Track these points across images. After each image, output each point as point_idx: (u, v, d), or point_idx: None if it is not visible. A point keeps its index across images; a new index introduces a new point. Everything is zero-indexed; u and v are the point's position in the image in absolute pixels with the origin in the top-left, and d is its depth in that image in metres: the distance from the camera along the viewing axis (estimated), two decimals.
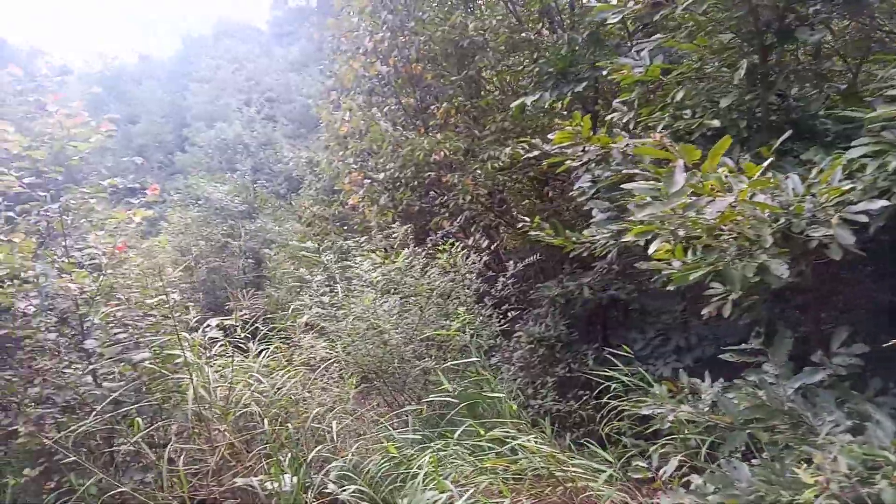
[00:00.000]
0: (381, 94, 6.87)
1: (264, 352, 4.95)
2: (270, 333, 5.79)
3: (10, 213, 4.15)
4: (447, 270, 4.79)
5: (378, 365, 4.30)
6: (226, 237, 16.63)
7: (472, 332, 4.29)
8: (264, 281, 14.58)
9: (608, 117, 4.20)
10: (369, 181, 6.90)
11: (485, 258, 4.93)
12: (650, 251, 2.66)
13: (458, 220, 5.93)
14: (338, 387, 4.41)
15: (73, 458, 3.74)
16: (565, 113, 5.16)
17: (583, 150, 3.74)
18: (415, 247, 5.29)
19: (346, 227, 11.55)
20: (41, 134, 4.00)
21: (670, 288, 3.26)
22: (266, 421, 3.62)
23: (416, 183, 6.36)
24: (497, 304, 5.02)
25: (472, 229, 6.04)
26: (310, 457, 3.47)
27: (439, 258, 4.88)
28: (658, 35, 3.95)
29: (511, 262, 4.94)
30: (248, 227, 16.98)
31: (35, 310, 4.19)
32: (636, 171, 2.90)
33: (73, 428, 3.73)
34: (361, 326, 4.36)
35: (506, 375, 5.21)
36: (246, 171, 22.01)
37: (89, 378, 4.05)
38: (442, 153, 5.71)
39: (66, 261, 4.01)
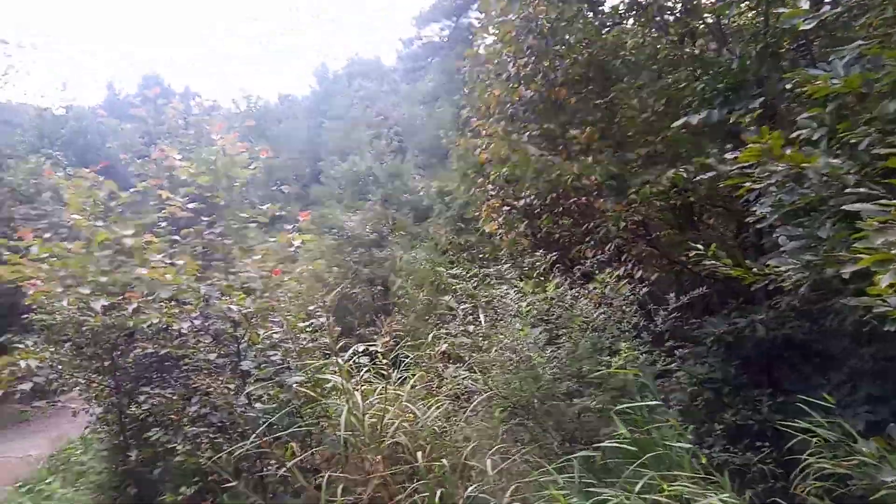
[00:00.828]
0: (522, 119, 6.73)
1: (407, 380, 4.85)
2: (409, 361, 5.70)
3: (175, 237, 4.37)
4: (600, 302, 4.48)
5: (528, 401, 4.03)
6: (357, 264, 17.17)
7: (635, 370, 3.92)
8: (392, 308, 14.84)
9: (793, 135, 3.74)
10: (508, 208, 6.76)
11: (643, 289, 4.56)
12: (883, 284, 2.23)
13: (607, 248, 5.59)
14: (484, 421, 4.19)
15: (227, 478, 3.79)
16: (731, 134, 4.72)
17: (768, 171, 3.33)
18: (560, 276, 5.02)
19: (474, 256, 11.49)
20: (206, 161, 4.19)
21: (890, 328, 2.77)
22: (420, 454, 3.45)
23: (559, 209, 6.12)
24: (654, 340, 4.61)
25: (623, 258, 5.68)
26: (464, 495, 3.25)
27: (589, 289, 4.58)
28: (859, 42, 3.47)
29: (672, 294, 4.53)
30: (377, 255, 17.45)
31: (196, 330, 4.36)
32: (863, 190, 2.47)
33: (229, 449, 3.78)
34: (513, 358, 4.13)
35: (660, 419, 4.76)
36: (377, 200, 22.80)
37: (243, 399, 4.12)
38: (593, 178, 5.43)
39: (226, 283, 4.14)
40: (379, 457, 3.62)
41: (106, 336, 4.88)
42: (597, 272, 4.99)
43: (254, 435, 3.79)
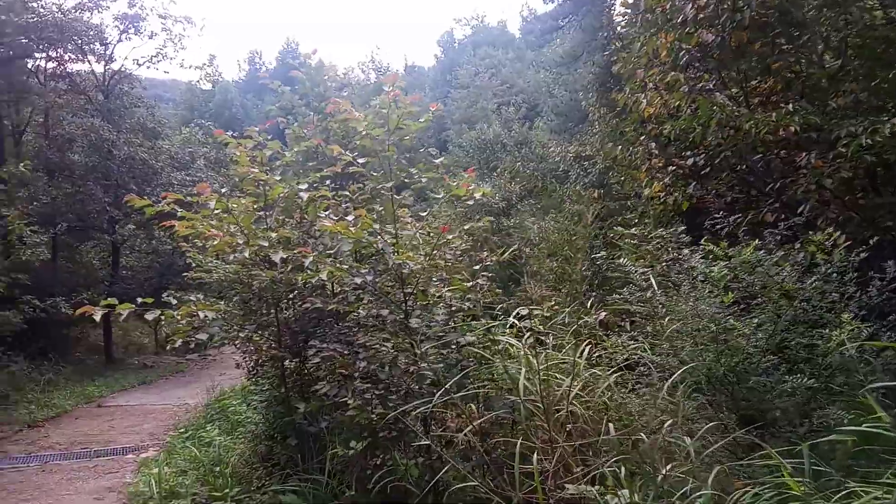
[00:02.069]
0: (697, 68, 6.09)
1: (561, 348, 4.56)
2: (565, 328, 5.40)
3: (345, 192, 4.31)
4: (805, 269, 3.93)
5: (723, 375, 3.61)
6: (486, 233, 17.00)
7: (857, 346, 3.37)
8: (521, 277, 14.57)
9: None
10: (674, 167, 6.20)
11: (858, 256, 3.93)
12: None
13: (801, 210, 4.93)
14: (664, 395, 3.81)
15: (395, 436, 3.72)
16: None
17: None
18: (751, 240, 4.48)
19: (621, 222, 10.92)
20: (378, 113, 4.07)
21: None
22: (611, 427, 3.17)
23: (742, 167, 5.49)
24: (867, 313, 3.99)
25: (820, 223, 5.00)
26: (660, 475, 2.93)
27: (792, 253, 4.03)
28: None
29: (891, 262, 3.88)
30: (506, 223, 17.17)
31: (356, 287, 4.30)
32: None
33: (400, 406, 3.70)
34: (710, 328, 3.71)
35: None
36: (505, 168, 22.49)
37: (411, 357, 4.02)
38: (791, 129, 4.77)
39: (396, 238, 4.03)
40: (559, 426, 3.37)
41: (272, 291, 4.97)
42: (789, 236, 4.41)
43: (438, 393, 3.66)
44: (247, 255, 4.12)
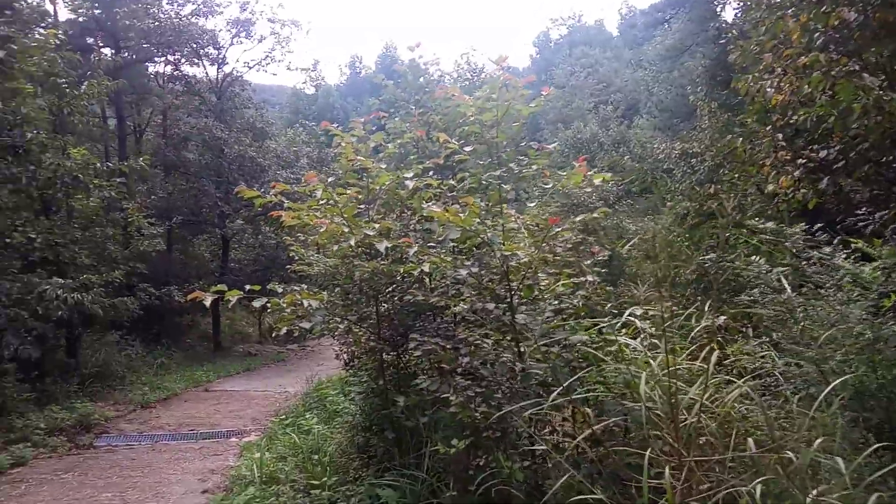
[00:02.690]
0: (835, 51, 5.52)
1: (684, 353, 4.21)
2: (678, 332, 5.03)
3: (451, 181, 4.18)
4: None
5: (878, 391, 3.18)
6: (581, 232, 16.49)
7: None
8: (617, 278, 14.01)
9: None
10: (804, 161, 5.65)
11: None
12: None
13: None
14: (805, 409, 3.41)
15: (499, 437, 3.54)
16: None
17: None
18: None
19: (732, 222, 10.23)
20: (488, 98, 3.90)
21: None
22: (750, 441, 2.84)
23: (890, 157, 4.92)
24: None
25: None
26: (809, 499, 2.58)
27: None
28: None
29: None
30: (603, 223, 16.60)
31: (455, 282, 4.15)
32: None
33: (504, 406, 3.52)
34: (865, 334, 3.29)
35: None
36: (604, 168, 21.88)
37: (516, 355, 3.84)
38: None
39: (505, 229, 3.85)
40: (684, 437, 3.07)
41: (372, 282, 4.93)
42: None
43: (554, 394, 3.44)
44: (352, 243, 4.07)
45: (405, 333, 5.75)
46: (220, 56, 20.04)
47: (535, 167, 4.07)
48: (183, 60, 19.29)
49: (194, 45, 18.65)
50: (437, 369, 4.32)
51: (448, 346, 3.93)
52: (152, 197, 17.00)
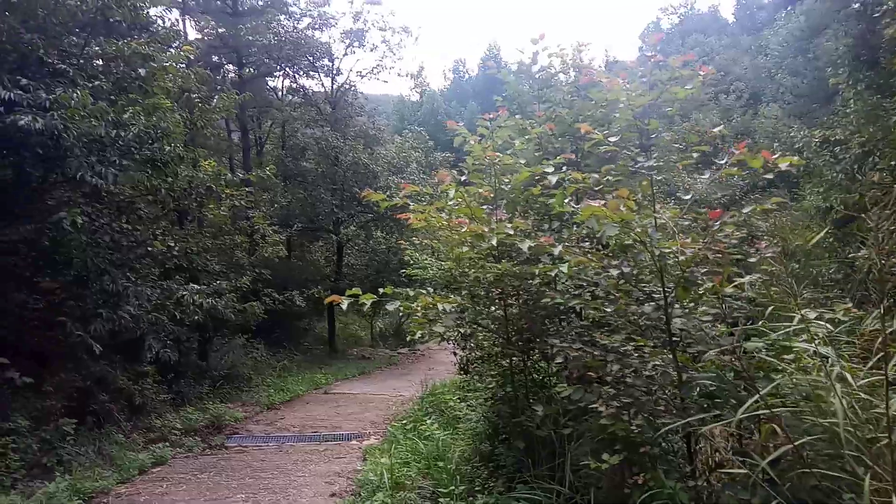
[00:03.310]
0: None
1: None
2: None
3: (595, 175, 3.87)
4: None
5: None
6: (703, 231, 15.54)
7: None
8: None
9: None
10: None
11: None
12: None
13: None
14: None
15: (658, 453, 3.21)
16: None
17: None
18: None
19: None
20: (640, 82, 3.58)
21: None
22: None
23: None
24: None
25: None
26: None
27: None
28: None
29: None
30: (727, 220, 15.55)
31: (623, 279, 3.81)
32: None
33: (660, 418, 3.19)
34: None
35: None
36: (724, 163, 20.56)
37: (672, 363, 3.48)
38: None
39: (660, 222, 3.51)
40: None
41: (502, 284, 4.73)
42: None
43: (743, 406, 3.07)
44: (494, 243, 3.88)
45: (530, 339, 5.51)
46: (335, 67, 20.71)
47: (695, 155, 3.69)
48: (300, 73, 20.09)
49: (311, 58, 19.37)
50: (579, 377, 4.03)
51: (596, 353, 3.64)
52: (274, 206, 17.76)
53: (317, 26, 19.67)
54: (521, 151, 5.10)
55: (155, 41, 9.98)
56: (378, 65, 20.94)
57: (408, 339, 24.13)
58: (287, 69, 19.81)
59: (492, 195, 4.51)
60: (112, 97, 8.53)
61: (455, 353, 11.52)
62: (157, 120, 8.69)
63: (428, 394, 11.77)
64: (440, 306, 4.09)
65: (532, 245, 3.77)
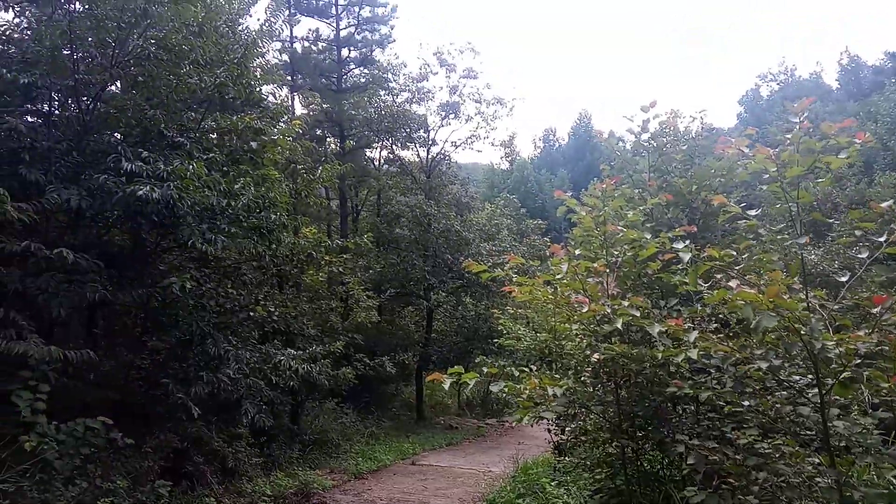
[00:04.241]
0: None
1: None
2: None
3: (731, 251, 3.50)
4: None
5: None
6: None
7: None
8: None
9: None
10: None
11: None
12: None
13: None
14: None
15: None
16: None
17: None
18: None
19: None
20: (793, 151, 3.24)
21: None
22: None
23: None
24: None
25: None
26: None
27: None
28: None
29: None
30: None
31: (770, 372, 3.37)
32: None
33: None
34: None
35: None
36: (885, 241, 19.16)
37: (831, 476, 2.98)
38: None
39: (810, 310, 3.09)
40: None
41: (615, 367, 4.35)
42: None
43: None
44: (619, 325, 3.57)
45: (645, 426, 5.03)
46: (430, 138, 21.26)
47: (858, 232, 3.28)
48: (397, 144, 20.75)
49: (408, 130, 19.99)
50: (708, 477, 3.55)
51: (737, 456, 3.19)
52: (369, 271, 18.04)
53: (415, 100, 20.37)
54: (632, 224, 4.80)
55: (266, 116, 10.52)
56: (472, 135, 21.34)
57: (505, 411, 23.36)
58: (385, 141, 20.53)
59: (606, 269, 4.20)
60: (224, 168, 8.95)
61: (549, 431, 10.99)
62: (266, 190, 9.02)
63: (520, 472, 11.16)
64: (550, 390, 3.77)
65: (663, 330, 3.42)
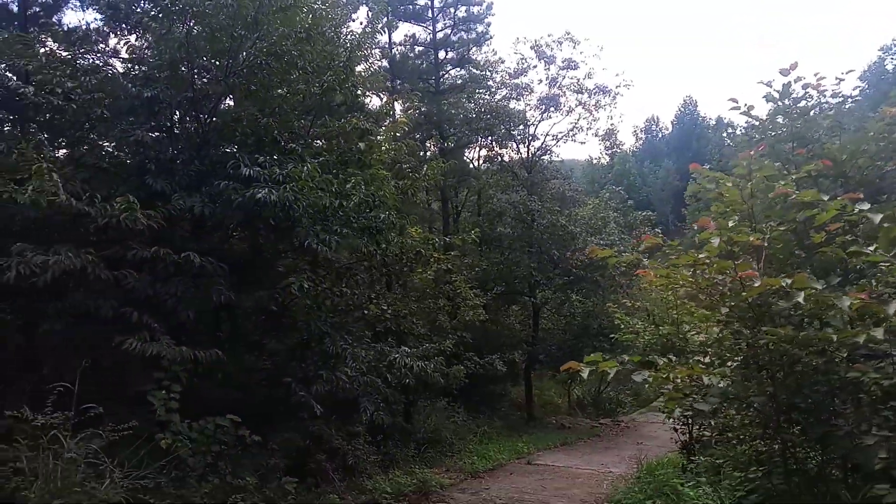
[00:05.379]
0: None
1: None
2: None
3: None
4: None
5: None
6: None
7: None
8: None
9: None
10: None
11: None
12: None
13: None
14: None
15: None
16: None
17: None
18: None
19: None
20: None
21: None
22: None
23: None
24: None
25: None
26: None
27: None
28: None
29: None
30: None
31: None
32: None
33: None
34: None
35: None
36: None
37: None
38: None
39: None
40: None
41: (779, 354, 3.89)
42: None
43: None
44: (800, 300, 3.16)
45: (804, 419, 4.51)
46: (530, 133, 20.88)
47: None
48: (497, 142, 20.52)
49: (507, 127, 19.73)
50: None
51: None
52: (475, 270, 17.94)
53: (513, 96, 20.10)
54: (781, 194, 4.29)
55: (370, 119, 10.64)
56: (574, 127, 20.76)
57: (618, 410, 22.50)
58: (484, 139, 20.36)
59: (763, 243, 3.75)
60: (335, 171, 9.09)
61: (676, 430, 10.34)
62: (375, 189, 9.07)
63: (644, 473, 10.58)
64: (706, 379, 3.39)
65: (854, 302, 2.97)
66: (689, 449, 9.72)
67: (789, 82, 5.27)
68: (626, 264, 4.60)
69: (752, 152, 4.16)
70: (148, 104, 8.59)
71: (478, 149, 22.09)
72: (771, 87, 5.40)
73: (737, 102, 5.38)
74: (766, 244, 3.71)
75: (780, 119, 5.32)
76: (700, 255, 4.09)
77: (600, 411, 23.57)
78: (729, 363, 4.35)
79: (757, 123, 5.40)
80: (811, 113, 5.34)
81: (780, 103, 5.36)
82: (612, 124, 24.19)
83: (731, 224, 3.68)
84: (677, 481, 8.66)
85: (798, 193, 3.61)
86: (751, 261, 4.39)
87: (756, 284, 3.27)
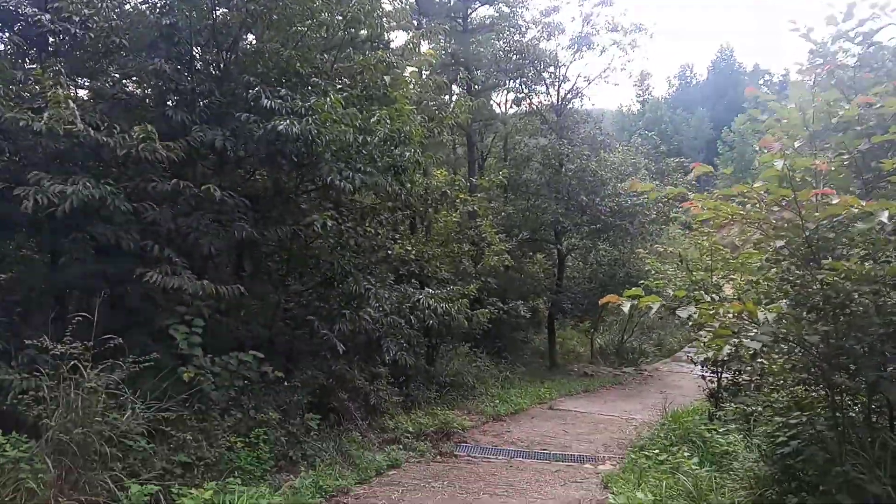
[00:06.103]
0: None
1: None
2: None
3: None
4: None
5: None
6: None
7: None
8: None
9: None
10: None
11: None
12: None
13: None
14: None
15: None
16: None
17: None
18: None
19: None
20: None
21: None
22: None
23: None
24: None
25: None
26: None
27: None
28: None
29: None
30: None
31: None
32: None
33: None
34: None
35: None
36: None
37: None
38: None
39: None
40: None
41: (836, 293, 3.59)
42: None
43: None
44: (885, 219, 2.82)
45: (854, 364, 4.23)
46: (561, 74, 20.13)
47: None
48: (525, 86, 19.80)
49: (537, 68, 19.01)
50: None
51: None
52: (500, 215, 17.61)
53: (543, 36, 19.29)
54: (847, 119, 3.91)
55: (396, 54, 10.21)
56: (607, 67, 19.96)
57: (641, 360, 22.22)
58: (513, 81, 19.64)
59: (829, 167, 3.40)
60: (358, 106, 8.76)
61: (703, 377, 10.13)
62: (401, 125, 8.74)
63: (669, 419, 10.44)
64: (761, 315, 3.11)
65: None
66: (717, 397, 9.52)
67: (854, 2, 4.79)
68: (666, 200, 4.26)
69: (812, 75, 3.76)
70: (167, 33, 8.28)
71: (505, 93, 21.39)
72: (833, 6, 4.92)
73: (795, 24, 4.92)
74: (832, 168, 3.37)
75: (842, 42, 4.85)
76: (756, 185, 3.76)
77: (623, 360, 23.41)
78: (777, 303, 4.05)
79: (816, 47, 4.94)
80: (878, 36, 4.87)
81: (842, 25, 4.88)
82: (644, 70, 23.24)
83: (796, 144, 3.34)
84: (703, 428, 8.50)
85: (884, 102, 3.23)
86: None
87: (835, 202, 2.94)
